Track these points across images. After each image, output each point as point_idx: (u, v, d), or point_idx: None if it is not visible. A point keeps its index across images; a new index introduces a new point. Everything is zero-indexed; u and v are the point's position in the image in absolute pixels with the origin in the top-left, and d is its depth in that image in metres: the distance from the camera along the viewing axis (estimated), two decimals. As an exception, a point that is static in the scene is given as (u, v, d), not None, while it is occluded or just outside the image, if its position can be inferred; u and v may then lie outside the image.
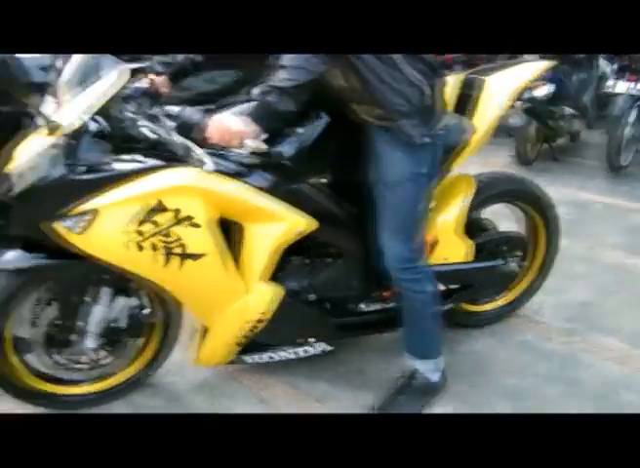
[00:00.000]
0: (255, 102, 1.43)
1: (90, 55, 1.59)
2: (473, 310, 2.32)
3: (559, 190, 3.93)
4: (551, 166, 4.50)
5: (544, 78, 2.07)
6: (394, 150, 1.68)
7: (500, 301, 2.37)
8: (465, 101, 1.97)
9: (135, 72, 1.79)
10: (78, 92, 1.52)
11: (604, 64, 5.09)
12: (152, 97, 1.79)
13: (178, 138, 1.44)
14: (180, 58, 1.85)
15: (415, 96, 1.60)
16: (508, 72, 2.02)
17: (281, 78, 1.40)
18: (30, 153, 1.49)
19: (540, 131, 4.10)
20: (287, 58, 1.42)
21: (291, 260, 1.77)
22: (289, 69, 1.41)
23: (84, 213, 1.47)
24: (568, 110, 1.98)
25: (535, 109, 2.07)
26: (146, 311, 1.81)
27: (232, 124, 1.38)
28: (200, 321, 1.81)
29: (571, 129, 4.05)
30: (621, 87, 4.08)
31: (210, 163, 1.43)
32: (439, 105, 1.69)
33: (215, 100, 1.71)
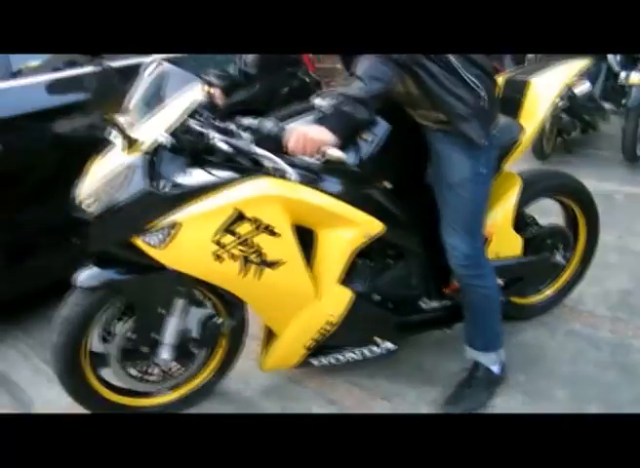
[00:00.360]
0: (330, 112, 1.47)
1: (159, 68, 1.64)
2: (522, 303, 2.37)
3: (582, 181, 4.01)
4: (568, 159, 4.56)
5: (582, 75, 2.13)
6: (454, 152, 1.74)
7: (547, 292, 2.43)
8: (510, 103, 2.03)
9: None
10: (152, 108, 1.57)
11: (610, 56, 5.18)
12: (210, 109, 1.86)
13: (258, 150, 1.48)
14: (233, 70, 1.90)
15: (472, 99, 1.66)
16: (549, 72, 2.09)
17: (357, 88, 1.44)
18: (110, 170, 1.54)
19: (555, 125, 4.18)
20: (361, 69, 1.46)
21: (356, 263, 1.82)
22: (365, 80, 1.44)
23: (166, 227, 1.52)
24: (607, 105, 2.05)
25: (575, 107, 2.14)
26: (218, 320, 1.86)
27: (314, 134, 1.42)
28: (269, 326, 1.86)
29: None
30: (635, 78, 4.14)
31: (294, 173, 1.47)
32: (494, 108, 1.75)
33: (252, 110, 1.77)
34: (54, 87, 2.49)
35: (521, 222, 2.20)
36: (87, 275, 1.67)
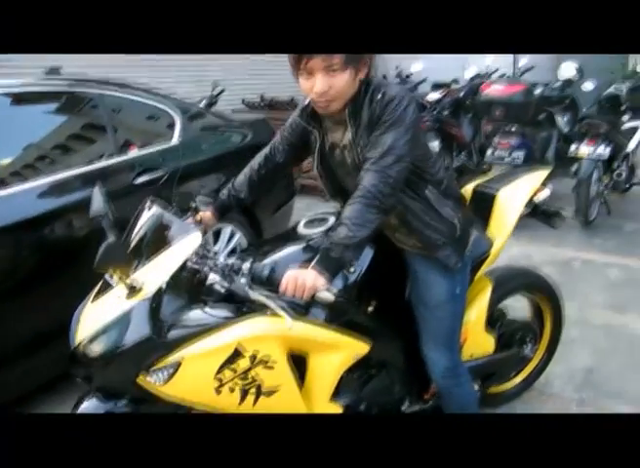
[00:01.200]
0: (319, 257, 1.58)
1: (156, 214, 1.74)
2: (493, 392, 2.51)
3: (541, 249, 4.25)
4: (525, 221, 4.79)
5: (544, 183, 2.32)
6: (431, 275, 1.88)
7: (516, 380, 2.58)
8: (479, 214, 2.19)
9: (186, 211, 1.95)
10: (150, 253, 1.65)
11: (559, 120, 5.52)
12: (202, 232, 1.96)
13: (252, 294, 1.57)
14: (224, 195, 2.00)
15: (446, 229, 1.81)
16: (515, 184, 2.25)
17: (343, 235, 1.54)
18: (112, 315, 1.59)
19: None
20: (346, 215, 1.57)
21: (343, 377, 1.91)
22: (350, 226, 1.54)
23: (169, 366, 1.59)
24: (566, 213, 2.25)
25: (536, 212, 2.33)
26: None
27: (305, 280, 1.51)
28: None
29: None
30: (584, 151, 4.46)
31: (287, 317, 1.57)
32: (467, 233, 1.90)
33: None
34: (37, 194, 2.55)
35: (492, 320, 2.35)
36: (89, 406, 1.70)
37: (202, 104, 6.03)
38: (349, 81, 1.57)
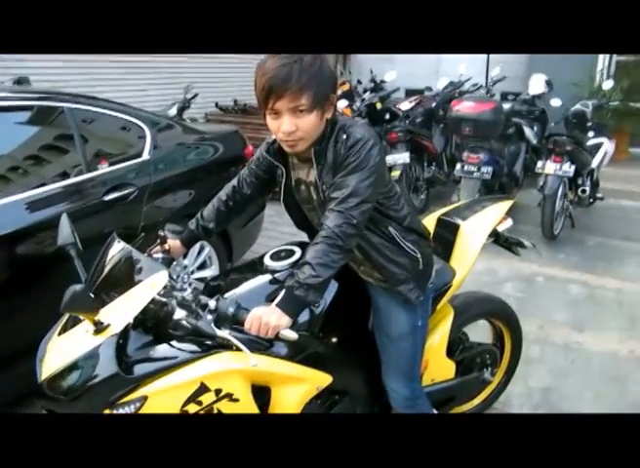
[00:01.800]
0: (283, 296, 1.61)
1: (123, 251, 1.76)
2: (453, 412, 2.58)
3: (505, 264, 4.35)
4: (492, 234, 4.94)
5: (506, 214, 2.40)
6: (393, 307, 1.93)
7: (475, 402, 2.65)
8: (442, 243, 2.26)
9: (154, 240, 1.97)
10: (116, 290, 1.67)
11: (528, 132, 5.65)
12: (169, 262, 1.99)
13: (218, 332, 1.61)
14: (192, 225, 2.03)
15: (409, 263, 1.87)
16: (479, 216, 2.32)
17: (307, 275, 1.58)
18: (78, 352, 1.60)
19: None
20: (310, 256, 1.60)
21: (305, 405, 1.96)
22: (314, 267, 1.58)
23: (135, 400, 1.62)
24: (527, 243, 2.34)
25: (498, 241, 2.41)
26: None
27: (271, 319, 1.54)
28: None
29: None
30: (550, 168, 4.59)
31: (253, 357, 1.60)
32: (429, 266, 1.96)
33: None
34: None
35: (454, 346, 2.43)
36: None
37: (175, 108, 6.04)
38: (316, 122, 1.61)
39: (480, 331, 2.68)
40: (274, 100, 1.55)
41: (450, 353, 2.36)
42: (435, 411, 2.23)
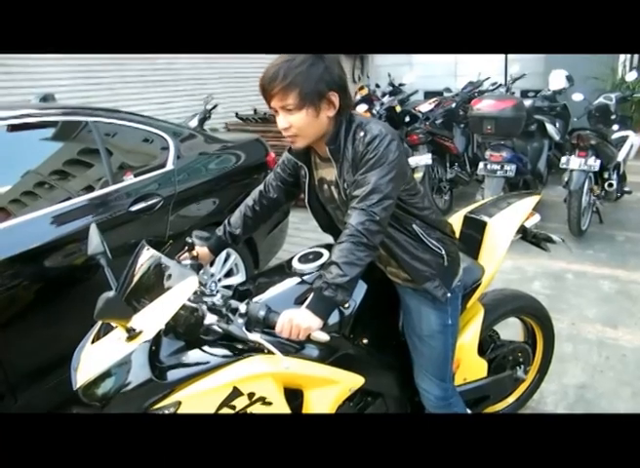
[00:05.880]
0: (313, 296, 1.62)
1: (153, 258, 1.78)
2: (487, 411, 2.55)
3: (532, 262, 4.29)
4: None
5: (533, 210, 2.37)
6: (422, 307, 1.92)
7: (509, 400, 2.62)
8: (470, 242, 2.24)
9: (182, 247, 1.99)
10: (147, 297, 1.69)
11: (550, 128, 5.58)
12: (197, 269, 2.00)
13: (249, 336, 1.61)
14: (220, 232, 2.04)
15: (434, 260, 1.85)
16: (506, 212, 2.30)
17: (334, 275, 1.58)
18: (112, 359, 1.63)
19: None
20: (336, 255, 1.60)
21: (339, 406, 1.96)
22: (341, 266, 1.58)
23: (168, 405, 1.63)
24: (556, 238, 2.30)
25: (526, 237, 2.38)
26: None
27: (302, 321, 1.55)
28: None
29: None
30: (574, 163, 4.52)
31: (285, 360, 1.61)
32: (455, 263, 1.95)
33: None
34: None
35: (485, 345, 2.40)
36: None
37: (196, 119, 6.10)
38: (308, 120, 1.62)
39: (511, 329, 2.65)
40: (268, 100, 1.62)
41: (481, 352, 2.33)
42: (469, 411, 2.20)
